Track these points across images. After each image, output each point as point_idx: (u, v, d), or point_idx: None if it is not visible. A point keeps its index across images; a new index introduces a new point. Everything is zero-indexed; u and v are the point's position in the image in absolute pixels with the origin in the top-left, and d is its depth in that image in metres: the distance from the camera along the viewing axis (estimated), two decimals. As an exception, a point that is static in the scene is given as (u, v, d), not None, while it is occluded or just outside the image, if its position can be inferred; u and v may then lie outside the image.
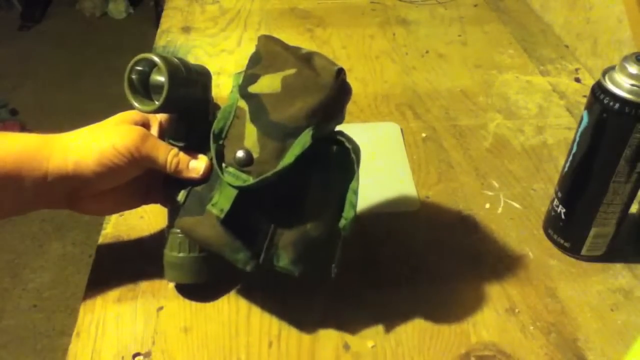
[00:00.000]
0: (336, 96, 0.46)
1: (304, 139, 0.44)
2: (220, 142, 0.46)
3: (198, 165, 0.48)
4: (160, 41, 0.90)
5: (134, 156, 0.46)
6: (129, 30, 2.76)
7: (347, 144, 0.46)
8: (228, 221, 0.45)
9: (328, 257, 0.46)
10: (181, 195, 0.48)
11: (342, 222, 0.45)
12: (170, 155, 0.48)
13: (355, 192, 0.45)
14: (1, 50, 2.55)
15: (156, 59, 0.45)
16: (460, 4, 1.03)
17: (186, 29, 0.94)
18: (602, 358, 0.48)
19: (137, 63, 0.46)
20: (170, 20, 0.97)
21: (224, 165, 0.46)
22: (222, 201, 0.45)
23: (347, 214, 0.45)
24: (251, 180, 0.44)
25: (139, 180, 0.49)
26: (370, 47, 0.90)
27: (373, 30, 0.95)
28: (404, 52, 0.89)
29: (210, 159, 0.47)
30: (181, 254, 0.50)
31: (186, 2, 1.02)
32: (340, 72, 0.45)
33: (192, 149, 0.49)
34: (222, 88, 0.76)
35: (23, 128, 2.10)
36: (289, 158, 0.44)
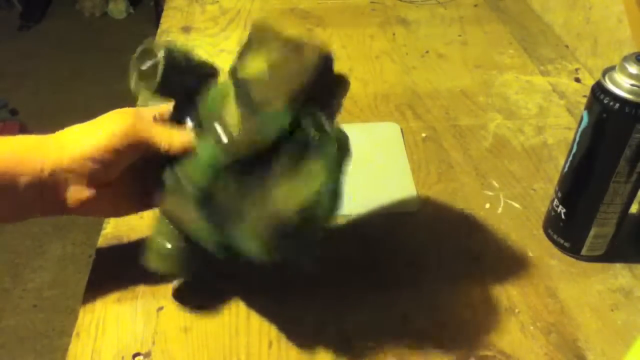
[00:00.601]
0: (319, 81, 0.46)
1: (281, 121, 0.44)
2: (203, 121, 0.47)
3: (184, 139, 0.48)
4: (161, 41, 0.90)
5: (131, 138, 0.46)
6: (129, 30, 2.76)
7: (328, 130, 0.45)
8: (202, 201, 0.45)
9: (304, 247, 0.46)
10: (166, 178, 0.48)
11: (322, 213, 0.44)
12: (165, 134, 0.48)
13: (337, 183, 0.45)
14: (1, 50, 2.55)
15: (150, 46, 0.48)
16: (460, 4, 1.03)
17: (186, 29, 0.94)
18: (602, 358, 0.48)
19: (142, 56, 0.48)
20: (170, 20, 0.97)
21: (203, 143, 0.46)
22: (196, 177, 0.45)
23: (329, 205, 0.44)
24: (225, 157, 0.45)
25: (134, 179, 0.49)
26: (370, 47, 0.90)
27: (373, 30, 0.95)
28: (404, 52, 0.89)
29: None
30: (175, 243, 0.49)
31: (186, 2, 1.02)
32: (326, 58, 0.46)
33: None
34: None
35: (23, 128, 2.10)
36: (264, 139, 0.44)
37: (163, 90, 0.49)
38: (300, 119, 0.45)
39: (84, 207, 0.49)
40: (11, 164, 0.45)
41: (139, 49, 0.49)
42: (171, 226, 0.49)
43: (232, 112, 0.46)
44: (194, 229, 0.46)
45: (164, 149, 0.48)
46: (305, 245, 0.46)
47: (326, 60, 0.46)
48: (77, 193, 0.48)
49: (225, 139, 0.45)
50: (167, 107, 0.52)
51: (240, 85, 0.46)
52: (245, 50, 0.48)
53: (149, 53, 0.49)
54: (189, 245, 0.49)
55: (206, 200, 0.45)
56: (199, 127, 0.48)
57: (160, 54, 0.48)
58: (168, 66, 0.47)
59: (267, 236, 0.45)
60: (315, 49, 0.46)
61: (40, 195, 0.47)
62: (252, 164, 0.45)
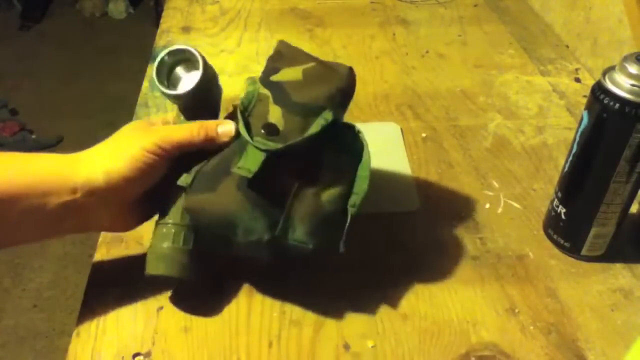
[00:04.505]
0: (350, 87, 0.52)
1: (327, 115, 0.48)
2: (247, 115, 0.49)
3: (227, 128, 0.49)
4: (160, 41, 0.90)
5: (166, 149, 0.47)
6: (129, 30, 2.76)
7: (357, 128, 0.50)
8: (253, 184, 0.46)
9: (338, 233, 0.48)
10: (185, 178, 0.48)
11: (353, 198, 0.48)
12: (195, 129, 0.48)
13: (367, 168, 0.49)
14: (1, 50, 2.55)
15: (192, 50, 0.50)
16: (460, 4, 1.03)
17: (186, 29, 0.94)
18: (602, 358, 0.48)
19: (170, 53, 0.50)
20: (170, 20, 0.97)
21: (251, 134, 0.48)
22: (249, 163, 0.46)
23: (359, 188, 0.48)
24: (279, 145, 0.47)
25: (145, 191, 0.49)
26: (370, 47, 0.90)
27: (373, 30, 0.95)
28: (404, 52, 0.89)
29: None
30: (174, 245, 0.49)
31: (186, 2, 1.02)
32: (352, 69, 0.52)
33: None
34: (222, 88, 0.75)
35: (23, 128, 2.11)
36: (314, 128, 0.48)
37: (190, 101, 0.50)
38: (336, 118, 0.49)
39: (109, 228, 0.50)
40: (38, 185, 0.45)
41: (166, 51, 0.50)
42: (173, 229, 0.49)
43: (272, 111, 0.49)
44: (233, 215, 0.47)
45: (201, 143, 0.48)
46: (339, 231, 0.48)
47: (353, 73, 0.52)
48: (108, 215, 0.49)
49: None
50: (171, 114, 0.53)
51: (277, 88, 0.50)
52: (274, 62, 0.52)
53: (174, 57, 0.50)
54: (190, 247, 0.50)
55: (255, 186, 0.47)
56: (243, 116, 0.49)
57: (200, 62, 0.49)
58: (205, 73, 0.49)
59: (311, 223, 0.47)
60: (343, 64, 0.52)
61: (72, 212, 0.46)
62: (296, 153, 0.47)
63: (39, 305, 1.53)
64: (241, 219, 0.47)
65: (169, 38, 0.91)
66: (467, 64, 0.86)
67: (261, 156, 0.46)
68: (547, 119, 0.75)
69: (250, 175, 0.46)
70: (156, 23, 1.03)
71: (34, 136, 2.09)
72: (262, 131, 0.48)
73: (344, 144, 0.50)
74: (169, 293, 0.52)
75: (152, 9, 2.69)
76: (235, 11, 1.00)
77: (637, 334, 0.49)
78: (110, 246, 0.56)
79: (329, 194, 0.48)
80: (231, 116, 0.53)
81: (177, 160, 0.49)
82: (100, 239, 0.57)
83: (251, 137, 0.47)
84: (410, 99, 0.79)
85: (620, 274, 0.55)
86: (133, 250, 0.56)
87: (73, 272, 1.62)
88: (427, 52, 0.89)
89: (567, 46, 0.91)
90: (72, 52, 2.58)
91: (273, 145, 0.47)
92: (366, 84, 0.82)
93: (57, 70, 2.45)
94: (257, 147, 0.47)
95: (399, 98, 0.79)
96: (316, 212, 0.47)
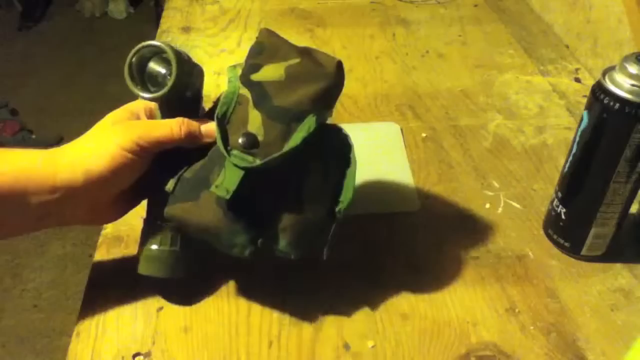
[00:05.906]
0: (337, 85, 0.48)
1: (310, 123, 0.46)
2: (224, 125, 0.47)
3: (211, 129, 0.48)
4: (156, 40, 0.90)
5: (144, 147, 0.46)
6: (129, 30, 2.76)
7: (344, 132, 0.48)
8: (232, 203, 0.45)
9: (321, 240, 0.47)
10: (170, 184, 0.48)
11: (339, 206, 0.47)
12: (176, 126, 0.47)
13: (354, 176, 0.47)
14: (1, 50, 2.55)
15: (163, 45, 0.47)
16: (460, 4, 1.03)
17: (186, 29, 0.94)
18: (602, 358, 0.48)
19: (137, 51, 0.47)
20: (170, 20, 0.97)
21: (228, 148, 0.46)
22: (227, 182, 0.45)
23: (345, 196, 0.47)
24: (258, 161, 0.45)
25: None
26: (370, 47, 0.90)
27: (373, 30, 0.95)
28: (404, 52, 0.89)
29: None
30: (161, 247, 0.49)
31: (186, 2, 1.02)
32: (341, 63, 0.48)
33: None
34: (222, 88, 0.75)
35: (23, 128, 2.10)
36: (295, 140, 0.45)
37: (169, 100, 0.48)
38: (321, 121, 0.46)
39: (92, 222, 0.49)
40: (19, 181, 0.44)
41: (133, 51, 0.48)
42: (160, 231, 0.49)
43: (252, 117, 0.46)
44: (214, 229, 0.46)
45: (182, 141, 0.47)
46: (324, 237, 0.47)
47: (341, 68, 0.48)
48: (90, 211, 0.48)
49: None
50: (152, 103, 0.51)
51: (258, 89, 0.47)
52: (257, 56, 0.48)
53: (146, 53, 0.48)
54: (181, 248, 0.50)
55: (234, 203, 0.45)
56: (220, 127, 0.47)
57: (172, 57, 0.46)
58: (179, 71, 0.46)
59: (294, 233, 0.46)
60: (331, 57, 0.48)
61: (54, 210, 0.46)
62: (278, 164, 0.45)
63: (39, 305, 1.53)
64: (222, 232, 0.46)
65: (169, 38, 0.91)
66: (467, 64, 0.86)
67: (239, 173, 0.45)
68: (547, 119, 0.75)
69: (227, 197, 0.44)
70: (156, 23, 1.03)
71: (34, 136, 2.09)
72: (240, 142, 0.46)
73: (329, 148, 0.48)
74: (169, 293, 0.52)
75: (152, 9, 2.69)
76: (235, 11, 1.00)
77: (637, 334, 0.49)
78: (110, 246, 0.56)
79: (312, 203, 0.47)
80: (212, 111, 0.51)
81: (160, 153, 0.48)
82: (100, 239, 0.57)
83: (229, 150, 0.46)
84: (410, 99, 0.79)
85: (620, 274, 0.55)
86: (133, 250, 0.56)
87: (73, 272, 1.62)
88: (427, 52, 0.89)
89: (567, 46, 0.91)
90: (72, 52, 2.58)
91: (252, 160, 0.45)
92: (366, 84, 0.82)
93: (57, 70, 2.45)
94: (235, 164, 0.45)
95: (399, 98, 0.79)
96: (299, 222, 0.46)
